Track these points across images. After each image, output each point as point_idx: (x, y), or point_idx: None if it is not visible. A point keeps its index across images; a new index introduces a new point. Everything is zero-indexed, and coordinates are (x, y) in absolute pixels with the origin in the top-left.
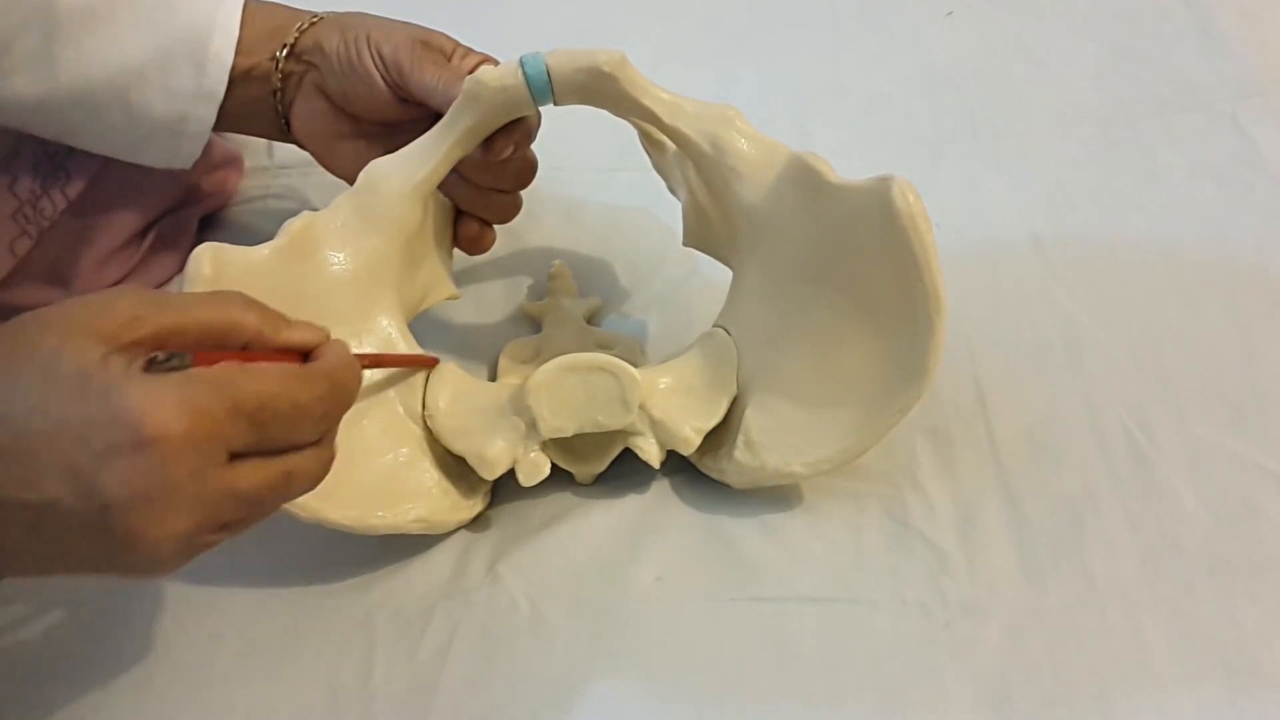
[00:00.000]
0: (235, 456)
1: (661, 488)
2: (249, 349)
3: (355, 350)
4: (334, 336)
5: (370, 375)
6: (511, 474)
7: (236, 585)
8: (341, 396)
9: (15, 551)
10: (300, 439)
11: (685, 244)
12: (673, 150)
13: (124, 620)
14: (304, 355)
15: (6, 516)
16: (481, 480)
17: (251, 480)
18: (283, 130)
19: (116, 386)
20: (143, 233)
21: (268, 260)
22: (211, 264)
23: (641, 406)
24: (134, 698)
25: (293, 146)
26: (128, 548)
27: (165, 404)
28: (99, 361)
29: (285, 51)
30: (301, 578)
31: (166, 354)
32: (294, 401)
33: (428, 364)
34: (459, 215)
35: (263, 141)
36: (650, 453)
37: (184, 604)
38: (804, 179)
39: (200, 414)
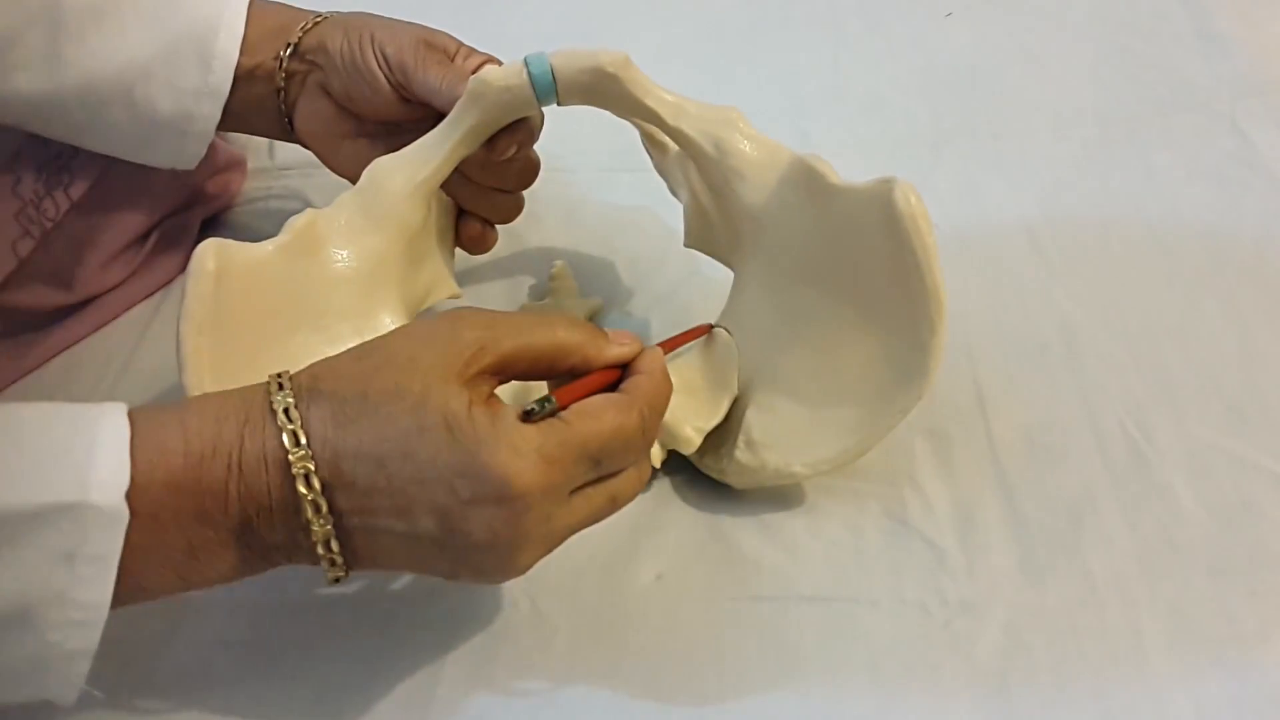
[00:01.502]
0: (574, 491)
1: (662, 487)
2: (575, 370)
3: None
4: (337, 333)
5: None
6: None
7: (236, 585)
8: (659, 414)
9: (380, 559)
10: (626, 465)
11: (686, 245)
12: (675, 151)
13: (124, 621)
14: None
15: (380, 539)
16: None
17: (585, 510)
18: (286, 129)
19: (485, 443)
20: (146, 235)
21: (271, 257)
22: (215, 259)
23: None
24: (134, 698)
25: (294, 147)
26: (481, 574)
27: (527, 462)
28: (465, 413)
29: (289, 50)
30: (301, 577)
31: (539, 402)
32: (626, 437)
33: (703, 333)
34: (461, 215)
35: (264, 142)
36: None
37: (184, 604)
38: (806, 181)
39: (555, 466)
